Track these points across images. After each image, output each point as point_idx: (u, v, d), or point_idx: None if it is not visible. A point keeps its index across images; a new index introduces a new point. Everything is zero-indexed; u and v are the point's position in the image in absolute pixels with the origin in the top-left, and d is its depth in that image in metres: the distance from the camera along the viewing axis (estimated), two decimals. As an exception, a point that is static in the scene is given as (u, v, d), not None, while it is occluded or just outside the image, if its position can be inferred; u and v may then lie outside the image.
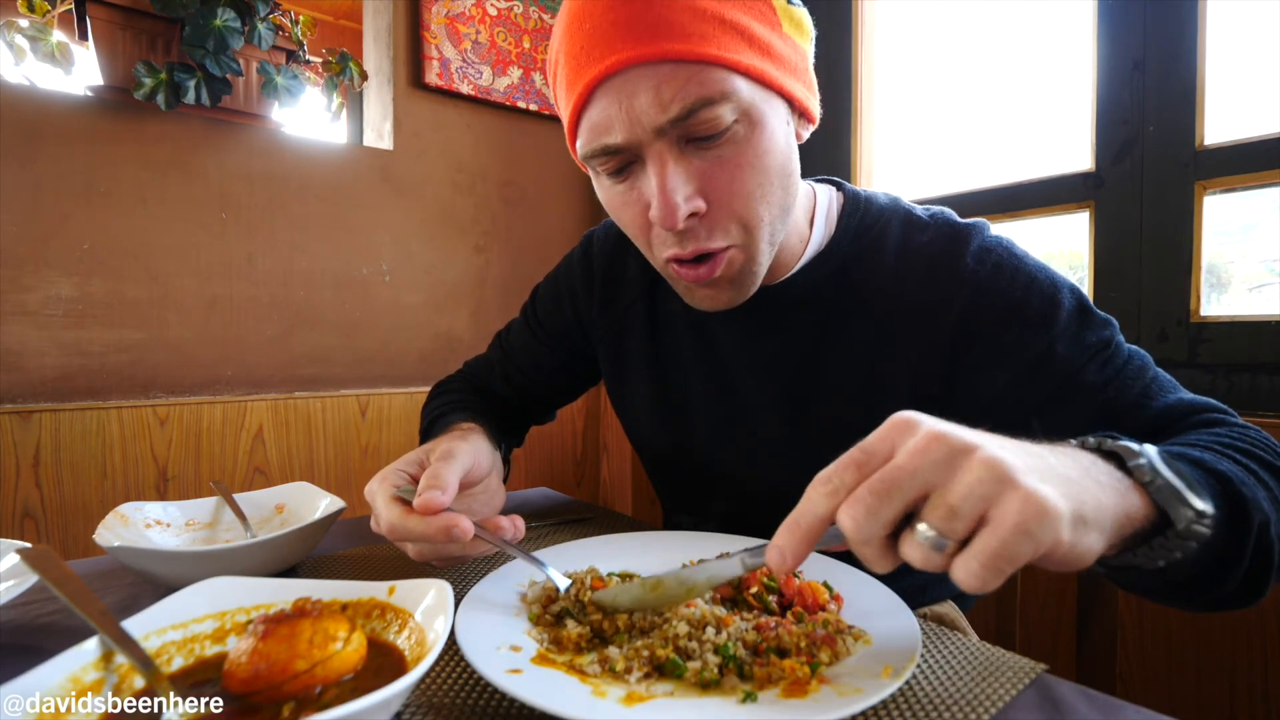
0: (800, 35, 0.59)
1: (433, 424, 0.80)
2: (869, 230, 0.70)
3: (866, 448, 0.38)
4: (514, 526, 0.57)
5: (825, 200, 0.73)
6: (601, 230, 0.86)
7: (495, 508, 0.65)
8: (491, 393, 0.90)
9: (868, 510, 0.34)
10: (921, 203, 0.75)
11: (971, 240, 0.65)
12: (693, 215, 0.56)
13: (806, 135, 0.63)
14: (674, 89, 0.51)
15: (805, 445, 0.71)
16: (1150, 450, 0.40)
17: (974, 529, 0.33)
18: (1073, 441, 0.43)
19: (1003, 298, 0.62)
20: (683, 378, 0.78)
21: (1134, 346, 0.62)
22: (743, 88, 0.54)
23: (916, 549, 0.34)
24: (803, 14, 0.60)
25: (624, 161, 0.57)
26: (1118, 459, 0.41)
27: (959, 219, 0.68)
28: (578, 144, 0.58)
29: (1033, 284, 0.62)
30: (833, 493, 0.37)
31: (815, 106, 0.62)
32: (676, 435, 0.80)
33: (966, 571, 0.32)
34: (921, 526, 0.34)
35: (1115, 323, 0.62)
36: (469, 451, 0.62)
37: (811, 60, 0.62)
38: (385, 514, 0.56)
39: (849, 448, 0.68)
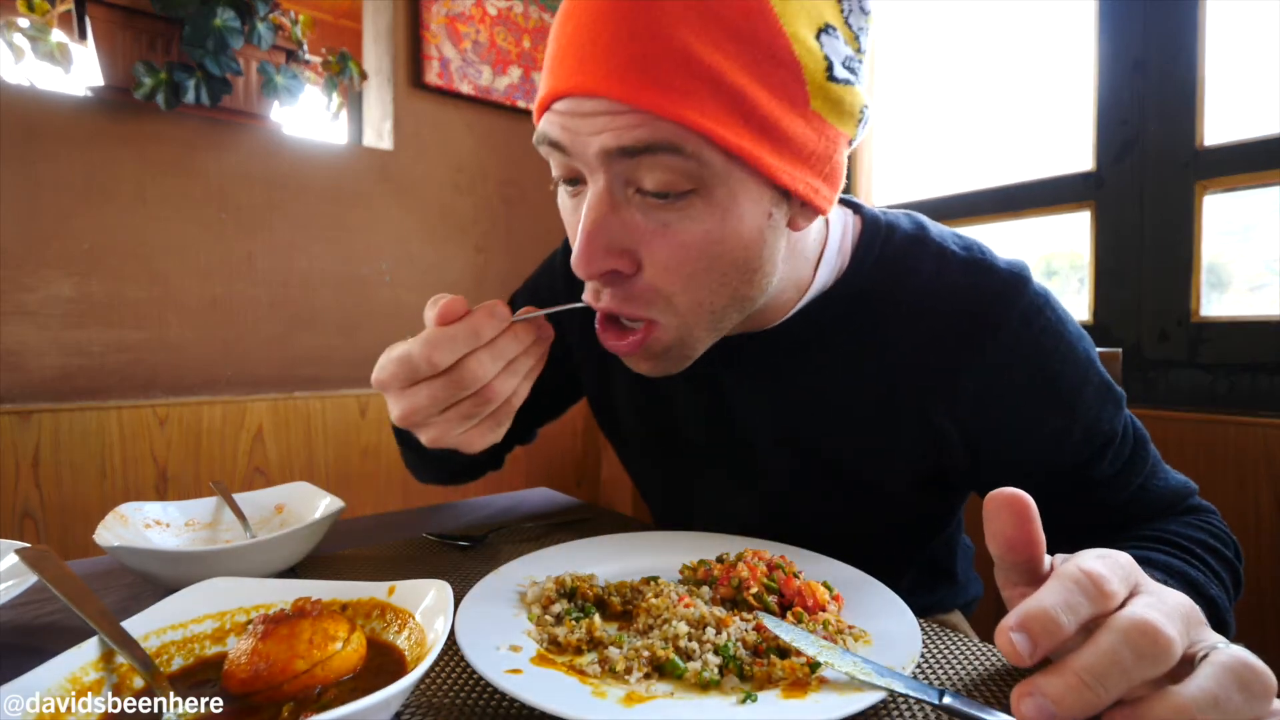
0: (837, 117, 0.49)
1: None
2: (891, 263, 0.61)
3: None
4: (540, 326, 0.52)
5: (840, 228, 0.63)
6: None
7: None
8: None
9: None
10: (921, 204, 0.73)
11: (1020, 296, 0.57)
12: (613, 272, 0.49)
13: (806, 225, 0.53)
14: (631, 123, 0.44)
15: (814, 494, 0.67)
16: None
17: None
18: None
19: (1041, 368, 0.57)
20: (677, 415, 0.73)
21: (1137, 425, 0.61)
22: (715, 160, 0.45)
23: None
24: (847, 93, 0.48)
25: (570, 168, 0.51)
26: None
27: (999, 260, 0.60)
28: (535, 130, 0.52)
29: (1071, 356, 0.58)
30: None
31: (825, 200, 0.51)
32: (673, 474, 0.76)
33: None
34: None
35: (1125, 399, 0.61)
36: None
37: (846, 147, 0.51)
38: (417, 336, 0.48)
39: (855, 496, 0.65)
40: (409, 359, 0.47)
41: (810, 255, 0.61)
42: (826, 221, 0.64)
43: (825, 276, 0.62)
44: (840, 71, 0.47)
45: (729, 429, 0.70)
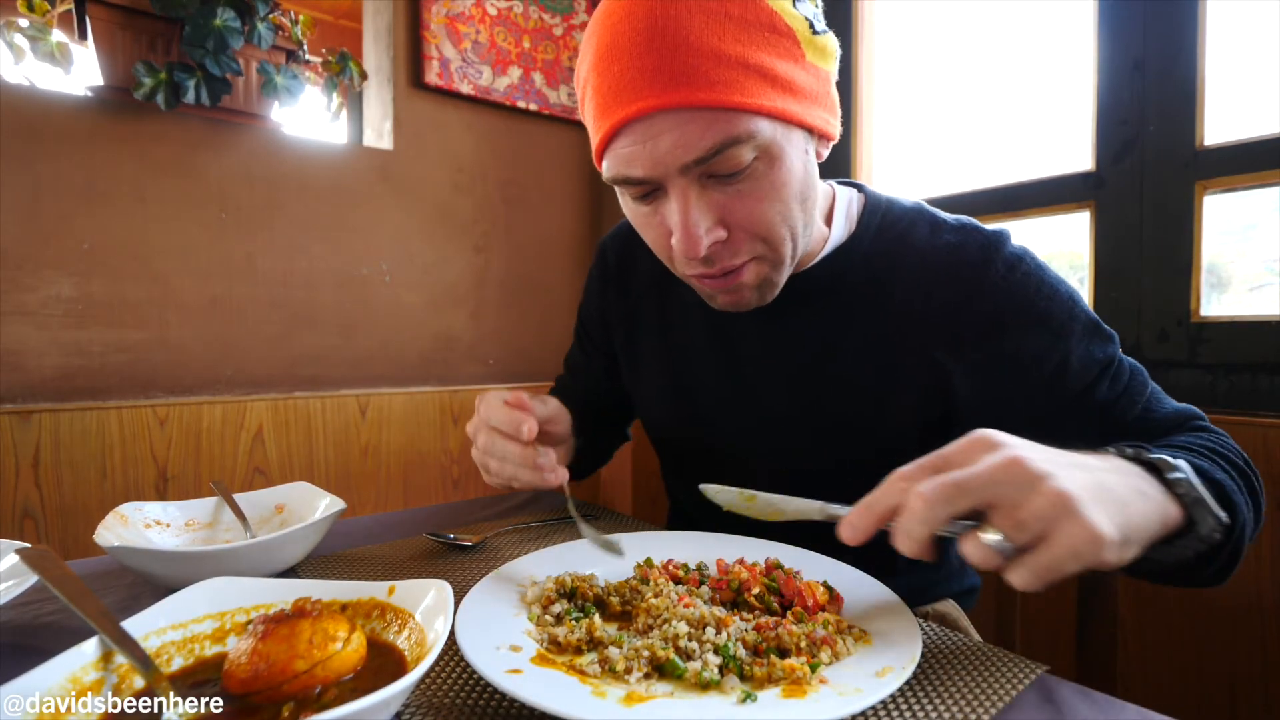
0: (824, 60, 0.60)
1: None
2: (892, 228, 0.71)
3: (945, 455, 0.42)
4: (559, 475, 0.64)
5: (845, 200, 0.75)
6: (610, 236, 0.92)
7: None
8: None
9: (937, 500, 0.38)
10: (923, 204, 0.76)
11: (1001, 247, 0.67)
12: (715, 243, 0.59)
13: (826, 153, 0.65)
14: (697, 132, 0.53)
15: (814, 434, 0.73)
16: (1185, 466, 0.46)
17: (1033, 543, 0.37)
18: (1112, 450, 0.47)
19: (1028, 306, 0.64)
20: (693, 363, 0.80)
21: (1132, 360, 0.66)
22: (764, 128, 0.55)
23: (979, 549, 0.39)
24: (827, 40, 0.60)
25: (648, 190, 0.59)
26: (1155, 469, 0.46)
27: (984, 226, 0.70)
28: (604, 169, 0.61)
29: (1055, 296, 0.65)
30: (909, 485, 0.40)
31: (835, 128, 0.64)
32: (686, 418, 0.82)
33: (1020, 578, 0.38)
34: (991, 533, 0.39)
35: (1117, 337, 0.66)
36: (558, 406, 0.72)
37: (835, 78, 0.63)
38: (493, 395, 0.66)
39: (858, 438, 0.71)
40: (485, 406, 0.65)
41: (823, 203, 0.72)
42: (834, 189, 0.76)
43: (839, 234, 0.72)
44: (819, 26, 0.59)
45: (743, 382, 0.76)
